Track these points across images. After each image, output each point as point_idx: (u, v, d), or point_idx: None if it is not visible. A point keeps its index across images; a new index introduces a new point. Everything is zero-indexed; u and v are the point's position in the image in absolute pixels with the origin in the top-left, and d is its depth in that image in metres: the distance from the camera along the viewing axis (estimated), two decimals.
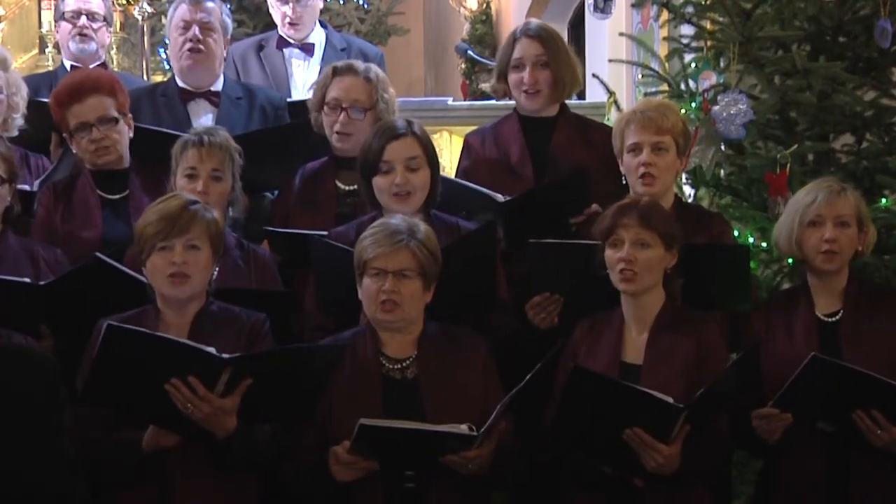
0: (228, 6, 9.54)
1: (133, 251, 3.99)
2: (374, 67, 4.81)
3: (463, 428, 3.66)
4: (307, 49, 5.98)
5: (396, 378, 3.87)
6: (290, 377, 3.70)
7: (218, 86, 5.43)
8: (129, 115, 4.76)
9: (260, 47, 6.04)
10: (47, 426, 1.97)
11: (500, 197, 4.52)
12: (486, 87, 6.53)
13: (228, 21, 5.56)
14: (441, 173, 4.54)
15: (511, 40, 4.87)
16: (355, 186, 4.60)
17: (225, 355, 3.57)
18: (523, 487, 4.23)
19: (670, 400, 3.66)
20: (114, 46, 9.43)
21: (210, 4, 5.45)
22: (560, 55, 4.80)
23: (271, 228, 4.64)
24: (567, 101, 4.95)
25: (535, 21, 5.13)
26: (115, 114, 4.67)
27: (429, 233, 3.92)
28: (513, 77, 4.82)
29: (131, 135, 4.76)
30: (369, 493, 3.74)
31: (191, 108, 5.38)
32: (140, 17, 8.97)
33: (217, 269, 4.07)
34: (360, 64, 4.80)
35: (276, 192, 5.05)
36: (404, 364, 3.89)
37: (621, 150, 4.40)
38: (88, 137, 4.63)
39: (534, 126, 4.84)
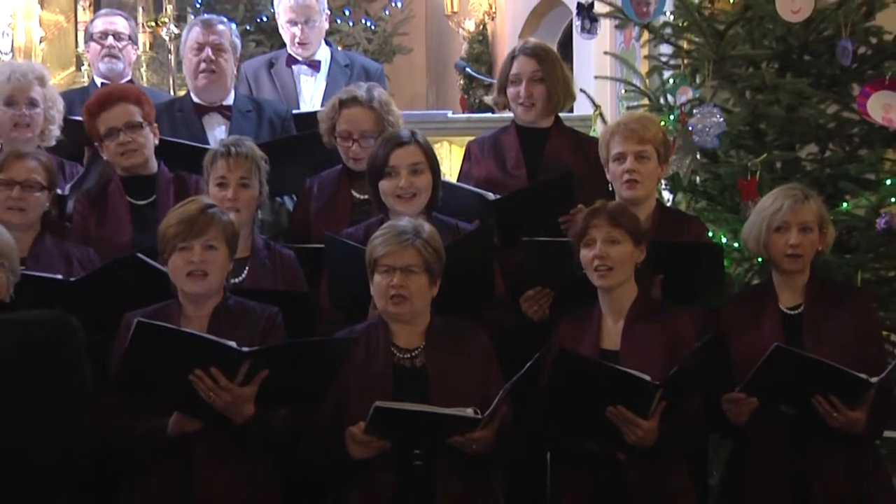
0: (248, 27, 9.65)
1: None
2: (376, 93, 4.78)
3: (468, 411, 3.67)
4: (314, 65, 5.97)
5: (406, 366, 3.87)
6: (303, 368, 3.71)
7: (229, 100, 5.44)
8: (155, 125, 4.76)
9: (270, 64, 6.04)
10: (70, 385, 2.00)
11: (490, 195, 4.55)
12: (488, 100, 6.54)
13: (237, 41, 5.58)
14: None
15: (510, 57, 4.87)
16: (367, 196, 4.57)
17: (245, 349, 3.58)
18: (519, 467, 4.24)
19: (648, 378, 3.68)
20: (143, 64, 9.44)
21: (221, 27, 5.49)
22: (554, 71, 4.79)
23: (297, 245, 4.62)
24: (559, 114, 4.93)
25: (532, 40, 5.13)
26: (141, 119, 4.67)
27: (433, 233, 3.93)
28: (511, 91, 4.82)
29: (156, 142, 4.75)
30: (381, 471, 3.74)
31: (205, 121, 5.38)
32: (167, 38, 8.99)
33: (248, 269, 4.21)
34: (362, 93, 4.76)
35: (284, 197, 5.08)
36: (413, 353, 3.89)
37: (607, 160, 4.40)
38: (116, 141, 4.63)
39: (530, 135, 4.84)
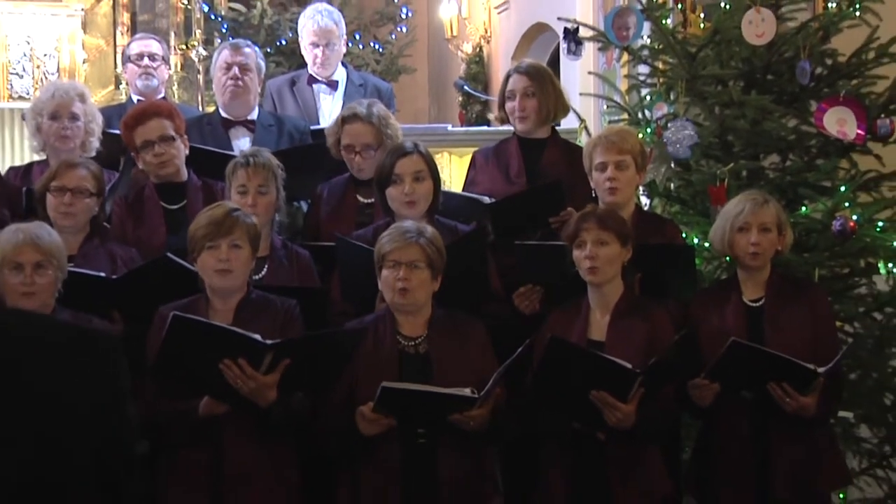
0: (269, 49, 9.65)
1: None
2: (374, 109, 4.77)
3: (466, 391, 3.68)
4: (332, 85, 5.96)
5: (410, 352, 3.88)
6: (319, 357, 3.74)
7: (253, 115, 5.45)
8: (185, 137, 4.76)
9: (293, 83, 6.03)
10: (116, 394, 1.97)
11: (486, 199, 4.57)
12: (491, 117, 6.55)
13: (262, 63, 5.58)
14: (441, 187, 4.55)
15: (507, 76, 4.89)
16: (371, 200, 4.62)
17: (268, 341, 3.59)
18: (511, 445, 4.24)
19: (629, 366, 3.70)
20: (175, 83, 9.45)
21: (247, 49, 5.50)
22: (546, 87, 4.80)
23: (310, 244, 4.64)
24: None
25: (527, 60, 5.16)
26: (173, 133, 4.67)
27: (435, 233, 3.94)
28: (508, 105, 4.84)
29: (187, 152, 4.75)
30: (388, 446, 3.76)
31: (231, 133, 5.39)
32: (196, 59, 9.00)
33: (267, 267, 4.21)
34: (362, 109, 4.76)
35: (300, 202, 5.08)
36: (417, 341, 3.89)
37: (591, 168, 4.40)
38: (152, 153, 4.64)
39: (528, 145, 4.84)
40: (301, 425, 3.84)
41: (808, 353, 3.91)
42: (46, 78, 10.11)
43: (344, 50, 6.13)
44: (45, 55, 10.43)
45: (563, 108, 4.91)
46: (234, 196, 4.35)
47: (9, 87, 10.36)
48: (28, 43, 10.41)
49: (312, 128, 5.47)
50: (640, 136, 4.80)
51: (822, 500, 4.16)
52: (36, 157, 5.28)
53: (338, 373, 3.77)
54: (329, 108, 5.83)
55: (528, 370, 3.83)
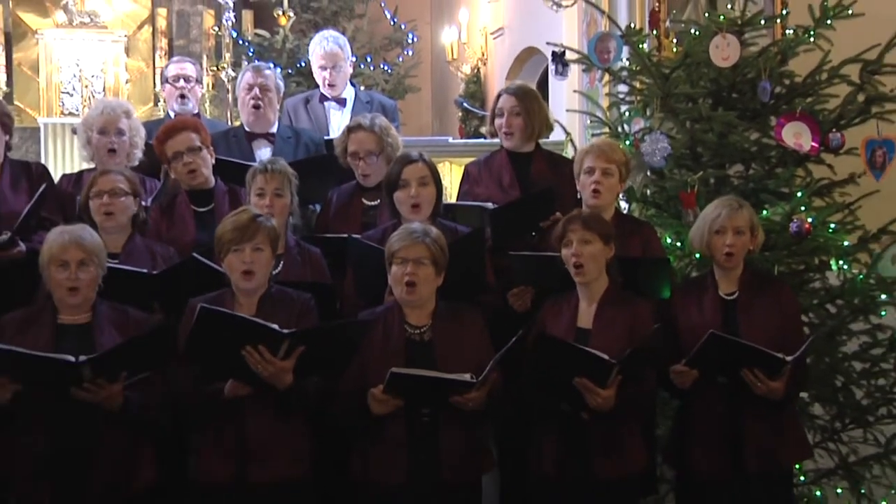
0: (290, 70, 9.63)
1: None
2: (377, 121, 4.78)
3: (466, 376, 3.69)
4: (341, 102, 5.96)
5: (416, 340, 3.86)
6: (331, 345, 3.73)
7: (273, 129, 5.45)
8: (211, 148, 4.76)
9: (307, 101, 6.03)
10: None
11: (489, 205, 4.56)
12: (483, 130, 6.54)
13: (280, 83, 5.59)
14: (445, 198, 4.58)
15: (498, 96, 4.87)
16: (374, 203, 4.64)
17: (285, 330, 3.58)
18: (505, 422, 4.25)
19: (607, 357, 3.71)
20: (207, 101, 9.46)
21: (267, 72, 5.52)
22: (532, 107, 4.77)
23: (318, 235, 4.66)
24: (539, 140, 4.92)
25: (516, 82, 5.17)
26: (199, 144, 4.66)
27: (439, 234, 3.94)
28: (497, 122, 4.82)
29: (213, 162, 4.74)
30: (396, 423, 3.76)
31: (254, 145, 5.39)
32: (226, 80, 8.99)
33: (282, 263, 4.17)
34: (366, 120, 4.77)
35: (316, 205, 5.07)
36: (422, 330, 3.88)
37: (579, 173, 4.38)
38: (181, 162, 4.64)
39: (517, 159, 4.82)
40: (315, 404, 3.83)
41: (777, 341, 3.92)
42: (93, 97, 10.15)
43: (350, 70, 6.11)
44: (93, 76, 10.47)
45: (547, 125, 4.89)
46: (253, 198, 4.34)
47: (61, 104, 10.42)
48: (77, 65, 10.46)
49: (325, 138, 5.47)
50: (621, 147, 4.78)
51: (786, 470, 4.17)
52: (85, 166, 5.26)
53: (348, 359, 3.75)
54: (338, 123, 5.83)
55: (521, 356, 3.82)
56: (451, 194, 5.29)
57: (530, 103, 4.78)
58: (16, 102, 10.27)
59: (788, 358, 3.84)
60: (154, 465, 3.80)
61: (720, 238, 4.07)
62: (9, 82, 10.51)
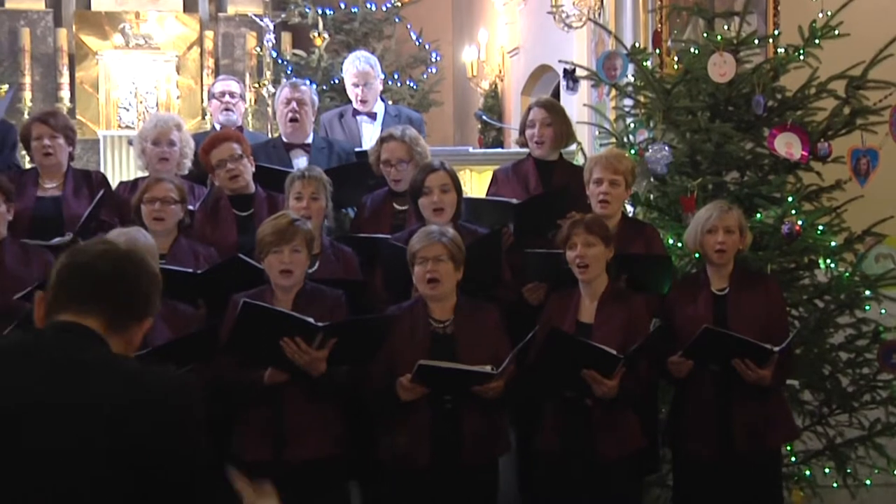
0: (325, 87, 9.64)
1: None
2: (407, 132, 4.78)
3: (487, 368, 3.70)
4: (372, 116, 5.95)
5: (440, 333, 3.87)
6: (361, 336, 3.73)
7: (309, 140, 5.44)
8: (251, 157, 4.77)
9: (340, 115, 6.02)
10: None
11: (514, 201, 4.56)
12: (512, 140, 6.50)
13: (315, 98, 5.59)
14: (467, 195, 4.59)
15: (528, 108, 4.88)
16: (405, 208, 4.62)
17: (319, 323, 3.59)
18: (519, 408, 4.25)
19: (614, 352, 3.72)
20: (250, 114, 9.48)
21: (304, 87, 5.51)
22: (560, 118, 4.81)
23: (352, 235, 4.67)
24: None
25: (544, 97, 5.24)
26: (240, 153, 4.67)
27: (455, 233, 3.95)
28: (528, 133, 4.83)
29: (253, 170, 4.75)
30: (421, 410, 3.77)
31: (291, 154, 5.38)
32: (266, 95, 9.01)
33: (318, 262, 4.17)
34: (397, 131, 4.77)
35: (347, 209, 5.08)
36: (445, 324, 3.88)
37: (589, 181, 4.38)
38: (224, 170, 4.65)
39: (543, 166, 4.83)
40: (346, 390, 3.84)
41: (764, 332, 3.92)
42: (147, 111, 10.21)
43: (380, 87, 6.10)
44: (147, 92, 10.54)
45: (571, 135, 4.91)
46: (291, 202, 4.35)
47: (118, 118, 10.50)
48: (133, 83, 10.53)
49: (357, 150, 5.47)
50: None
51: (774, 451, 4.16)
52: (140, 174, 5.29)
53: (376, 349, 3.75)
54: (370, 135, 5.82)
55: (534, 349, 3.82)
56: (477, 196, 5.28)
57: (558, 115, 4.81)
58: (78, 117, 10.33)
59: (776, 348, 3.85)
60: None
61: (712, 237, 4.06)
62: (72, 99, 10.58)
